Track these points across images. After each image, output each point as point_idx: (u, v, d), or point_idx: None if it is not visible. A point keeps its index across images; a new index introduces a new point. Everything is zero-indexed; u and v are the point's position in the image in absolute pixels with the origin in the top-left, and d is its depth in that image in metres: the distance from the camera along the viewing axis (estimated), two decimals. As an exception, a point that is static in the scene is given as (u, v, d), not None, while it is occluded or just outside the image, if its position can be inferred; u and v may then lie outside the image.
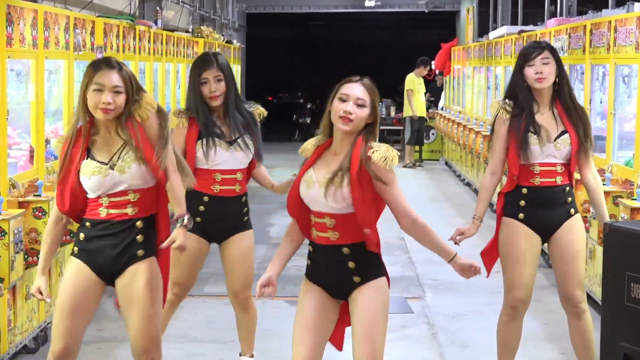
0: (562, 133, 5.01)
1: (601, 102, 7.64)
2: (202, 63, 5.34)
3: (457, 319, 7.08)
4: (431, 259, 9.22)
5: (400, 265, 8.88)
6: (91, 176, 4.21)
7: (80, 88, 4.26)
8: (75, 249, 4.29)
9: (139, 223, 4.24)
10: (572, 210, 5.09)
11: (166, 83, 10.98)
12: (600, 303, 5.95)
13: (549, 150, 5.00)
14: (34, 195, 5.92)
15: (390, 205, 4.09)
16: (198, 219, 5.20)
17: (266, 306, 7.25)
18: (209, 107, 5.31)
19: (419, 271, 8.60)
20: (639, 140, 6.51)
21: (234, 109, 5.34)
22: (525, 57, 5.03)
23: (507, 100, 5.10)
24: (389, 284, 4.16)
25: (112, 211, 4.23)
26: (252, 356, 5.58)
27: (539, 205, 5.04)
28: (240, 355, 5.60)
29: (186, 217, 4.32)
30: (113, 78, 4.18)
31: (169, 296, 5.12)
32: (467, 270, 4.11)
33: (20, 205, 5.76)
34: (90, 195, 4.26)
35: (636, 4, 7.53)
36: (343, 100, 4.05)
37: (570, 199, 5.08)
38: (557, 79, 5.04)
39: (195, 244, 5.27)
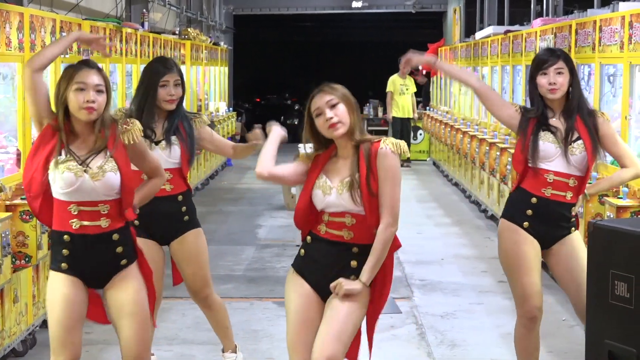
0: (577, 139, 4.88)
1: (587, 102, 7.65)
2: (164, 66, 5.30)
3: (445, 318, 7.10)
4: (419, 260, 9.29)
5: (388, 265, 8.88)
6: (65, 171, 4.13)
7: (57, 91, 4.18)
8: (63, 265, 4.18)
9: (115, 236, 4.21)
10: (573, 229, 4.98)
11: (153, 85, 10.96)
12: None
13: (562, 152, 4.86)
14: (21, 199, 5.90)
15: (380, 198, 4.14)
16: (136, 222, 4.88)
17: (255, 307, 7.27)
18: (158, 109, 5.27)
19: (407, 271, 8.62)
20: (624, 139, 6.55)
21: (178, 114, 5.32)
22: (538, 65, 4.91)
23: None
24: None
25: (85, 223, 4.16)
26: (235, 350, 5.62)
27: (544, 220, 4.90)
28: (222, 352, 5.62)
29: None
30: (94, 77, 4.18)
31: None
32: None
33: (8, 208, 5.76)
34: (60, 197, 4.16)
35: (621, 3, 7.55)
36: (319, 114, 4.19)
37: (574, 219, 4.97)
38: (570, 87, 4.92)
39: (151, 250, 5.19)
